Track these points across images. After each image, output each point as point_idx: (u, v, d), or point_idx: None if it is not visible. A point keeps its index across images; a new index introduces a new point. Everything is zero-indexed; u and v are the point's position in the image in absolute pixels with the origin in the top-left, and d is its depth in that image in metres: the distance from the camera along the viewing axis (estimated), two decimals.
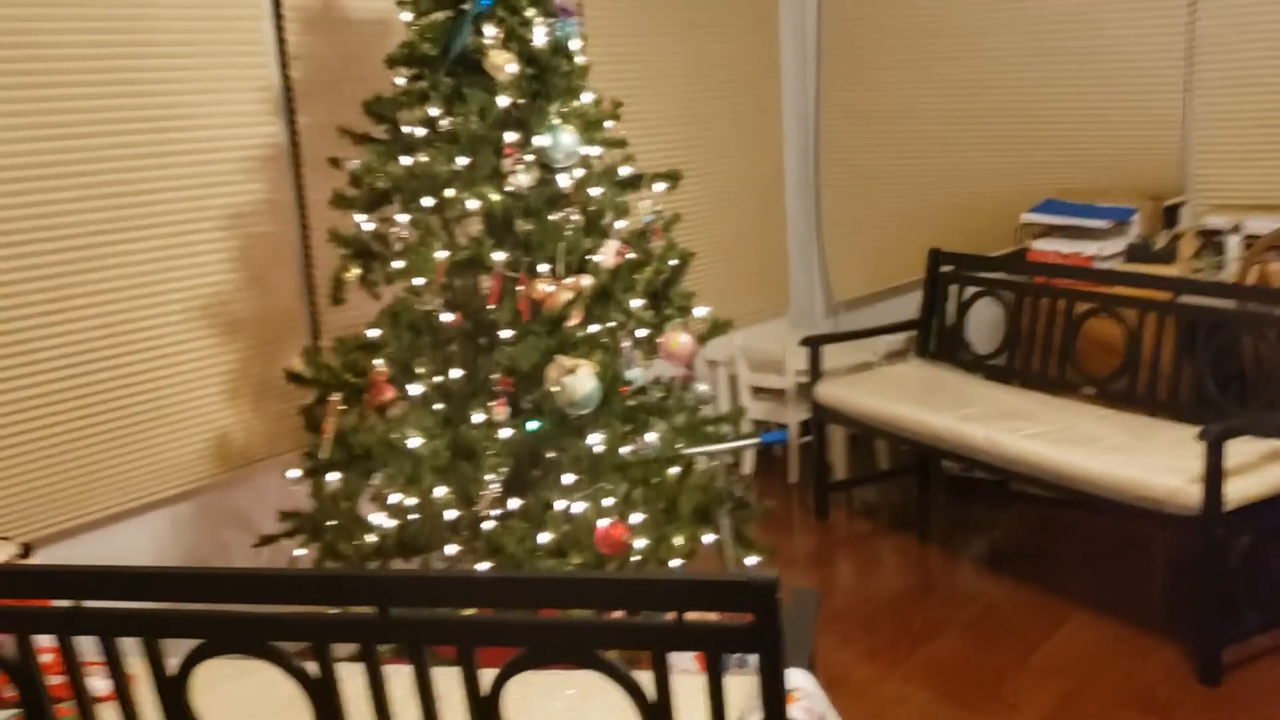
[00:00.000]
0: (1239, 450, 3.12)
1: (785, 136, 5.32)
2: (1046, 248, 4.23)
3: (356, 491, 2.90)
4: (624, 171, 3.11)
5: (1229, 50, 4.20)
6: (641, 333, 3.08)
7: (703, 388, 3.25)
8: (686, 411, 3.12)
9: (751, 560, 3.22)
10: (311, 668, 1.66)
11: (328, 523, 3.01)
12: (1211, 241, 4.14)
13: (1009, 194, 4.71)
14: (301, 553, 3.05)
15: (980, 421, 3.63)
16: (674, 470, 3.01)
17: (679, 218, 3.29)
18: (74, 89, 2.83)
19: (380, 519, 2.93)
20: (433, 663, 1.69)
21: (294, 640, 1.65)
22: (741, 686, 1.81)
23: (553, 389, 2.71)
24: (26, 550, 2.21)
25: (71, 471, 2.90)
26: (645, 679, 1.55)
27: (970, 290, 4.40)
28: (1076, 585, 3.62)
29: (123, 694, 1.73)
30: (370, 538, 2.91)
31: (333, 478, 2.92)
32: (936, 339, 4.46)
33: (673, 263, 3.13)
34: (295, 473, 2.89)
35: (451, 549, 2.89)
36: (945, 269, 4.47)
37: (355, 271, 2.89)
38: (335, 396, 2.86)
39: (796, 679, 1.71)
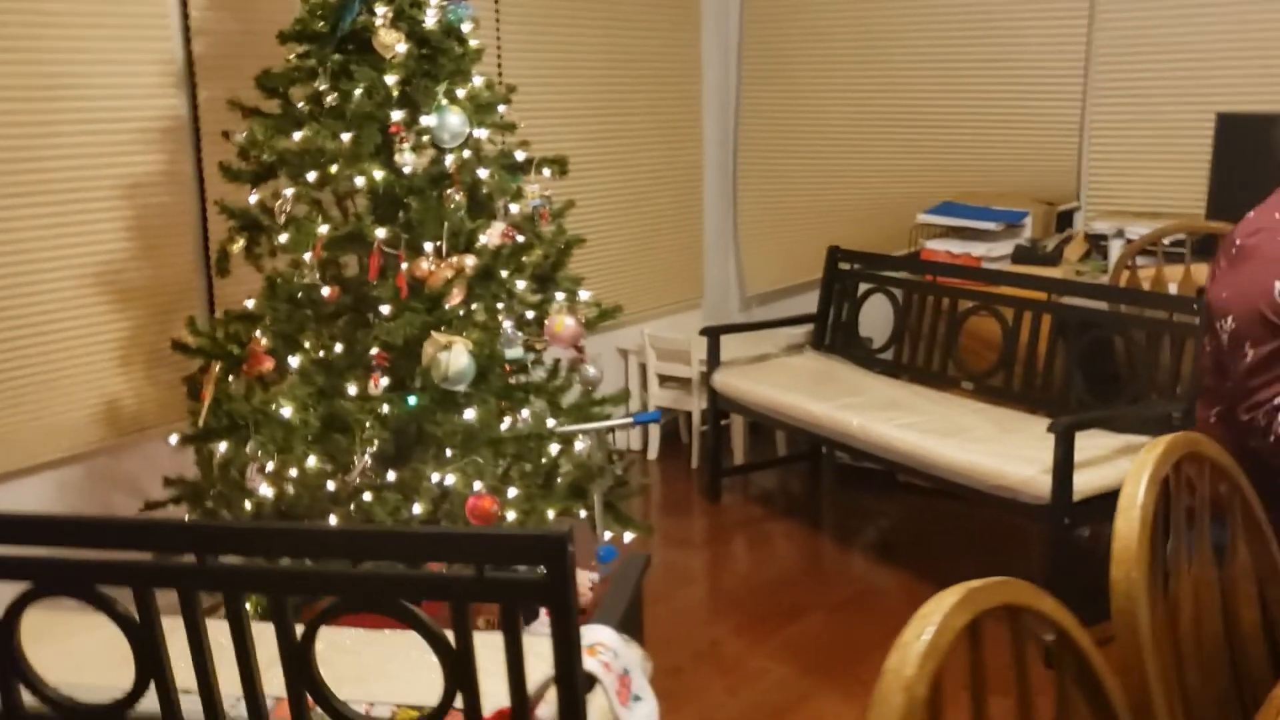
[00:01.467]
0: (1095, 444, 3.27)
1: (705, 132, 5.42)
2: (939, 248, 4.37)
3: (238, 460, 2.96)
4: (520, 156, 3.20)
5: (1122, 61, 4.36)
6: (530, 314, 3.18)
7: (591, 370, 3.34)
8: (563, 391, 3.22)
9: (628, 536, 3.33)
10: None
11: (212, 490, 3.08)
12: (1098, 246, 4.30)
13: (915, 195, 4.84)
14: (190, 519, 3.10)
15: (859, 411, 3.76)
16: (554, 447, 3.11)
17: (572, 204, 3.38)
18: None
19: (264, 488, 3.00)
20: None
21: (116, 584, 1.73)
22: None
23: (428, 364, 2.79)
24: None
25: None
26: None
27: (865, 286, 4.53)
28: (949, 572, 3.76)
29: None
30: (248, 505, 2.98)
31: (223, 447, 2.99)
32: (832, 333, 4.59)
33: (561, 247, 3.23)
34: (174, 439, 2.95)
35: (332, 519, 2.97)
36: (844, 266, 4.60)
37: (240, 244, 2.96)
38: (214, 366, 2.92)
39: (602, 635, 1.81)
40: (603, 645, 1.77)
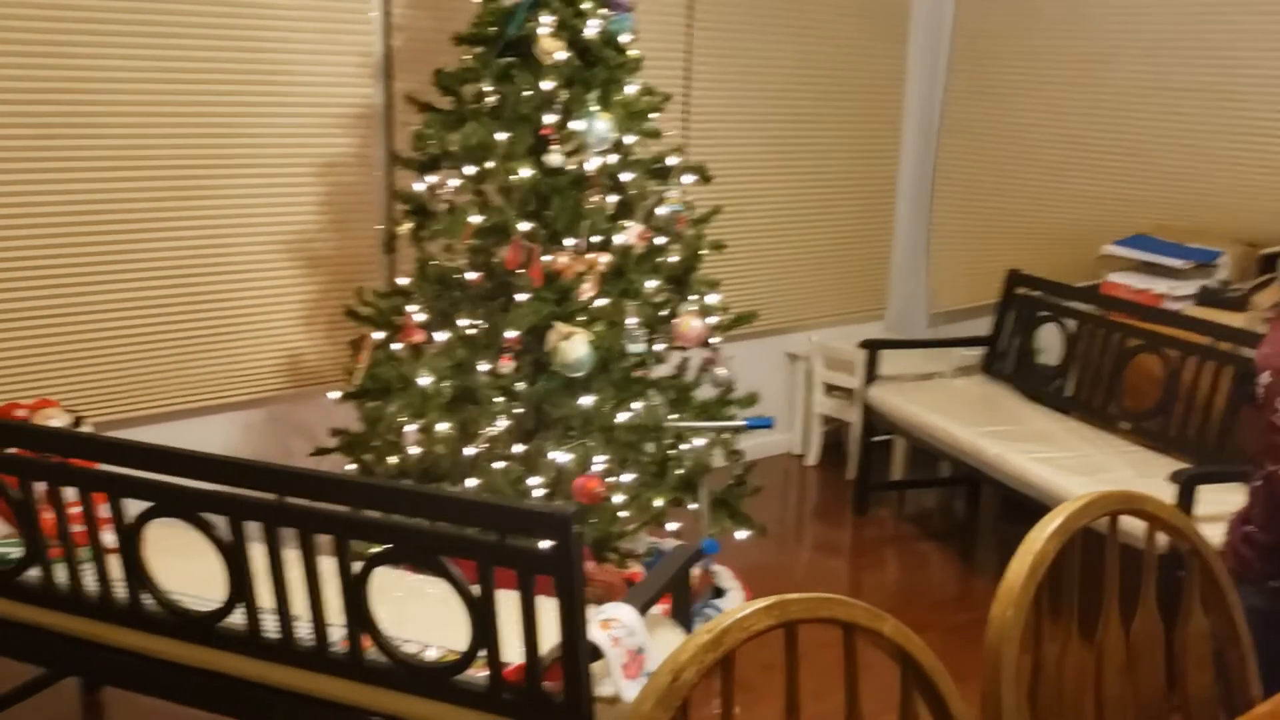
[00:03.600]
0: (1232, 499, 3.12)
1: (904, 144, 5.41)
2: (1121, 281, 4.23)
3: (386, 418, 3.27)
4: (671, 161, 3.37)
5: None
6: (665, 313, 3.35)
7: (721, 371, 3.48)
8: (689, 389, 3.37)
9: (741, 534, 3.45)
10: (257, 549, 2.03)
11: (372, 443, 3.41)
12: None
13: (1108, 224, 4.69)
14: (351, 467, 3.45)
15: (1001, 440, 3.72)
16: (670, 440, 3.28)
17: (719, 209, 3.52)
18: (193, 40, 3.30)
19: (413, 447, 3.31)
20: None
21: (215, 512, 2.03)
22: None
23: (550, 350, 3.01)
24: (78, 421, 2.67)
25: (160, 366, 3.41)
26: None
27: (1040, 314, 4.44)
28: (1090, 611, 3.67)
29: (92, 531, 2.15)
30: (392, 460, 3.29)
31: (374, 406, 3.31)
32: (1003, 359, 4.52)
33: (703, 252, 3.39)
34: (335, 394, 3.30)
35: (472, 481, 3.23)
36: (1021, 291, 4.52)
37: (407, 226, 3.26)
38: (374, 333, 3.25)
39: (620, 612, 1.96)
40: (617, 621, 1.92)
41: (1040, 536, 1.28)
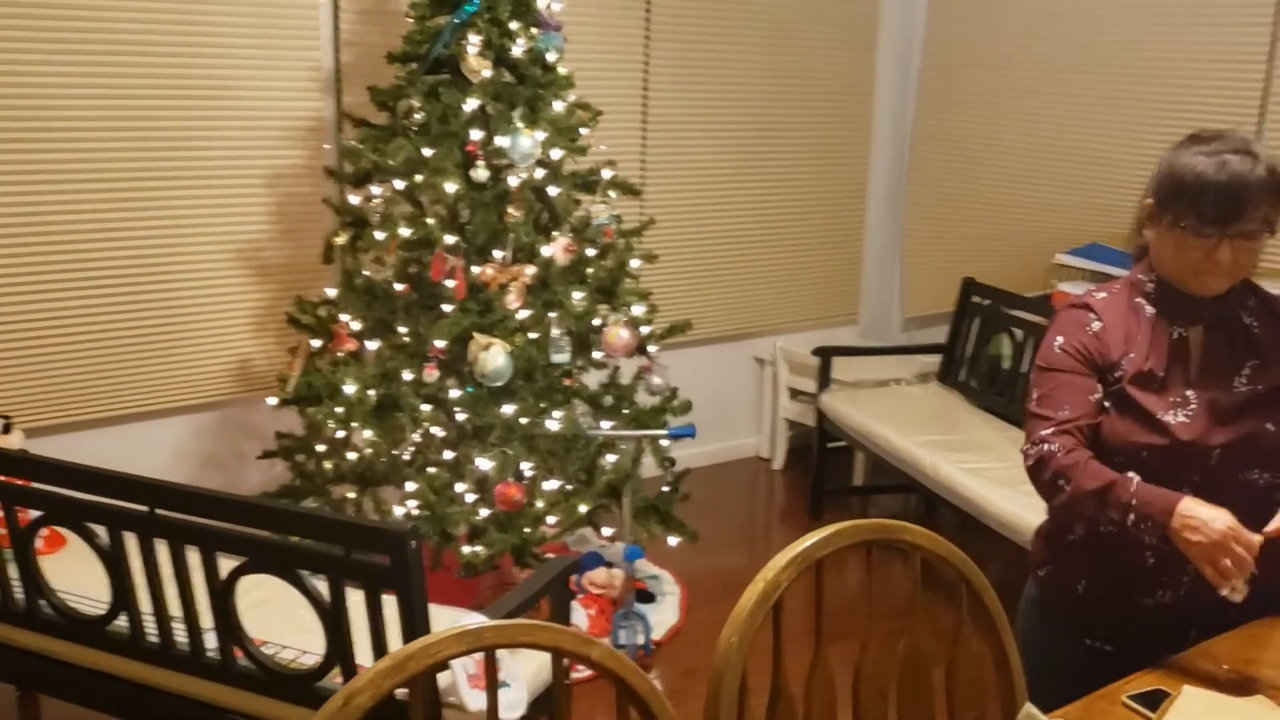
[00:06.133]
0: None
1: (875, 151, 5.43)
2: (1071, 290, 4.25)
3: (319, 424, 3.37)
4: (606, 174, 3.44)
5: None
6: (596, 322, 3.42)
7: (656, 380, 3.55)
8: (624, 398, 3.44)
9: (673, 540, 3.53)
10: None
11: (316, 447, 3.51)
12: None
13: (1075, 230, 4.71)
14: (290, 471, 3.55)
15: (938, 449, 3.76)
16: (597, 447, 3.35)
17: (652, 221, 3.59)
18: (142, 58, 3.41)
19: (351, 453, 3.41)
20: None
21: (95, 522, 2.13)
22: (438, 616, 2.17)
23: (472, 361, 3.09)
24: (7, 426, 2.79)
25: (113, 371, 3.53)
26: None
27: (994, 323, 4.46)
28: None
29: None
30: (328, 465, 3.39)
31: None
32: (958, 367, 4.55)
33: (635, 263, 3.46)
34: (273, 400, 3.41)
35: (410, 486, 3.33)
36: (976, 299, 4.54)
37: (343, 237, 3.36)
38: (311, 341, 3.35)
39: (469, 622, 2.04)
40: None
41: (777, 565, 1.35)
